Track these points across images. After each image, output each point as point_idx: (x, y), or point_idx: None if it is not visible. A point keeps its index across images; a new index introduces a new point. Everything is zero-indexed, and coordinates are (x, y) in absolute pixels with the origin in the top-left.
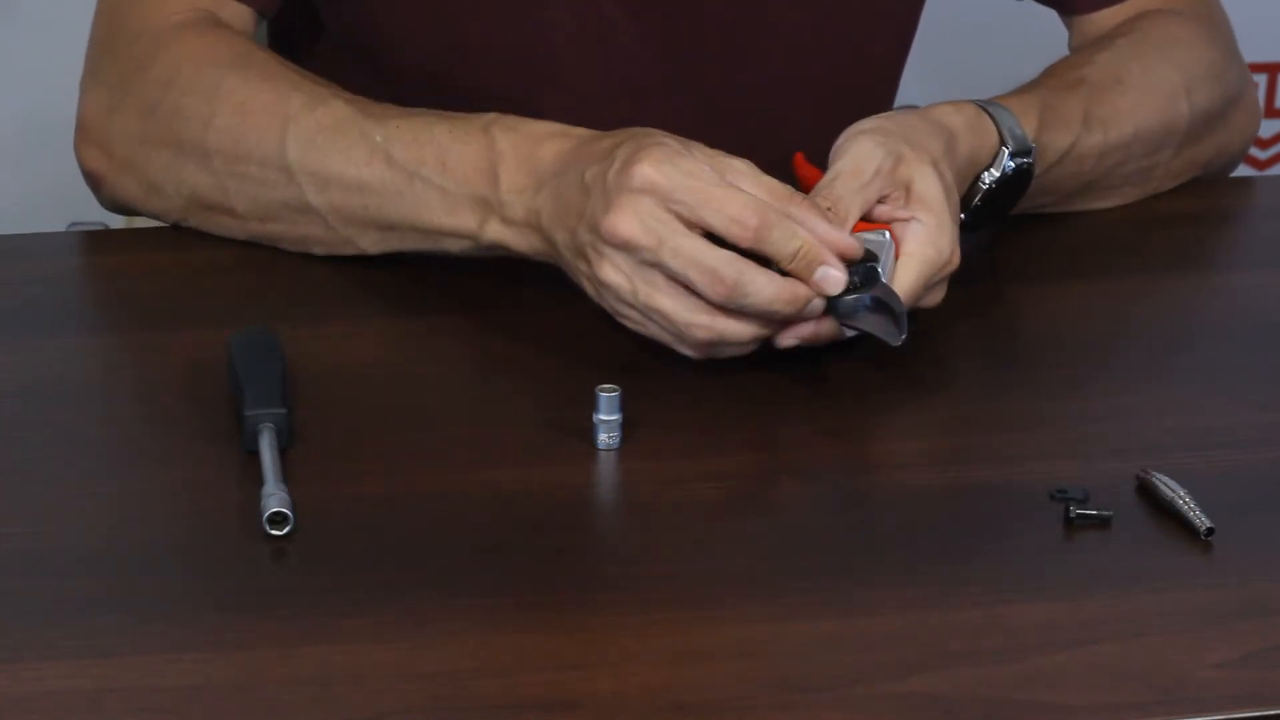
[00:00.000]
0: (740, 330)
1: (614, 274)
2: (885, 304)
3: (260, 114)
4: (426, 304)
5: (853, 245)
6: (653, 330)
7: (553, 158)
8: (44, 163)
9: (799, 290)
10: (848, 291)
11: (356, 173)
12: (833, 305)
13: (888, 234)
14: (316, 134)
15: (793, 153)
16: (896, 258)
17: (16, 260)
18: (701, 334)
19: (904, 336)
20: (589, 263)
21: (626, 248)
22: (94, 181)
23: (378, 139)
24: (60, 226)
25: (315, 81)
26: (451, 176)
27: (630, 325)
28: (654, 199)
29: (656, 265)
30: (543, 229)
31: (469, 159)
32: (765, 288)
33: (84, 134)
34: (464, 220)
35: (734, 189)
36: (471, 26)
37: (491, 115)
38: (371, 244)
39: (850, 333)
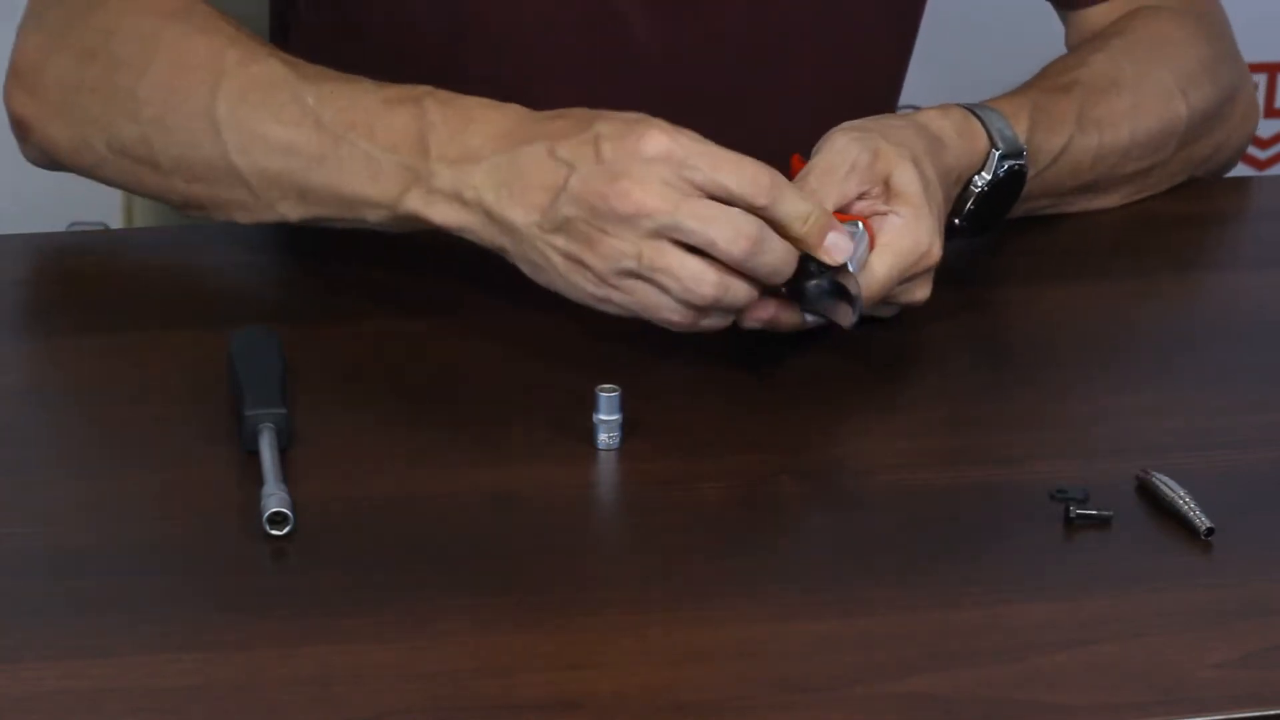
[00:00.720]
0: (741, 289)
1: (618, 244)
2: (844, 289)
3: (195, 68)
4: (426, 304)
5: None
6: (641, 297)
7: (486, 132)
8: None
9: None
10: (810, 276)
11: (283, 133)
12: (796, 289)
13: (861, 225)
14: (249, 91)
15: (795, 150)
16: (871, 249)
17: (16, 260)
18: (708, 290)
19: (855, 319)
20: (574, 238)
21: (639, 215)
22: (22, 129)
23: (309, 100)
24: (60, 226)
25: (254, 39)
26: (379, 143)
27: (609, 304)
28: (668, 166)
29: (671, 229)
30: (484, 205)
31: (398, 126)
32: (779, 246)
33: (15, 78)
34: (385, 188)
35: (740, 155)
36: (473, 9)
37: (426, 87)
38: (292, 210)
39: (811, 319)
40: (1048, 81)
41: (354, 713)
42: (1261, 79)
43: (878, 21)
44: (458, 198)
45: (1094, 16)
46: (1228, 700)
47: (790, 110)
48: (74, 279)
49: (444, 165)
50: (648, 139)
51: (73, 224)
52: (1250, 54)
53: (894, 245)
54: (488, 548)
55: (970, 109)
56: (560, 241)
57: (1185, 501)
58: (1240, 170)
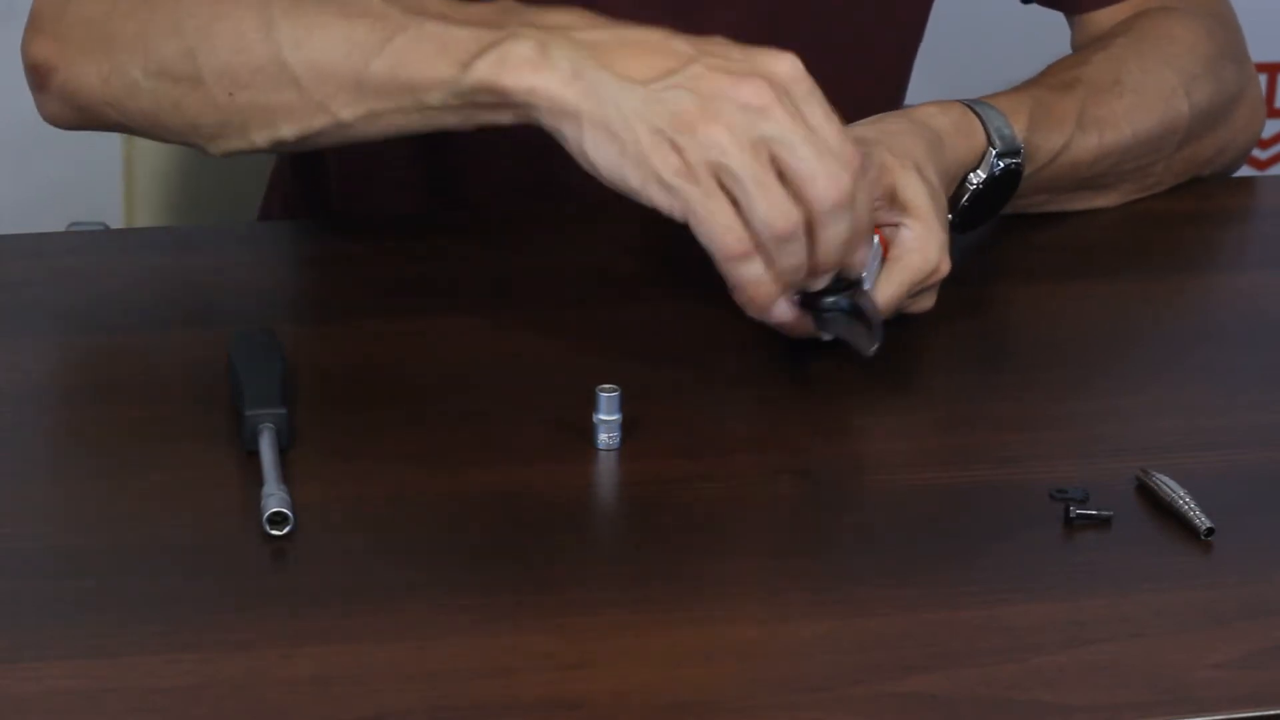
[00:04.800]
0: (801, 252)
1: (726, 135)
2: (860, 310)
3: None
4: (426, 304)
5: None
6: (713, 202)
7: (579, 22)
8: (44, 163)
9: None
10: (828, 292)
11: (344, 25)
12: (811, 304)
13: (877, 238)
14: None
15: None
16: (884, 261)
17: (16, 260)
18: (782, 223)
19: (876, 346)
20: (678, 116)
21: (762, 111)
22: (42, 76)
23: None
24: (60, 226)
25: None
26: (453, 20)
27: (672, 197)
28: (798, 86)
29: (777, 141)
30: (573, 63)
31: (475, 12)
32: (860, 217)
33: (36, 25)
34: (452, 59)
35: None
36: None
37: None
38: (344, 107)
39: (826, 337)
40: (1050, 79)
41: (354, 713)
42: (1261, 79)
43: (879, 30)
44: (540, 55)
45: (1101, 19)
46: (1227, 700)
47: None
48: (74, 279)
49: (530, 29)
50: (783, 57)
51: (73, 224)
52: (1251, 54)
53: (904, 261)
54: (488, 547)
55: (970, 105)
56: (658, 115)
57: (1185, 501)
58: (1240, 170)
